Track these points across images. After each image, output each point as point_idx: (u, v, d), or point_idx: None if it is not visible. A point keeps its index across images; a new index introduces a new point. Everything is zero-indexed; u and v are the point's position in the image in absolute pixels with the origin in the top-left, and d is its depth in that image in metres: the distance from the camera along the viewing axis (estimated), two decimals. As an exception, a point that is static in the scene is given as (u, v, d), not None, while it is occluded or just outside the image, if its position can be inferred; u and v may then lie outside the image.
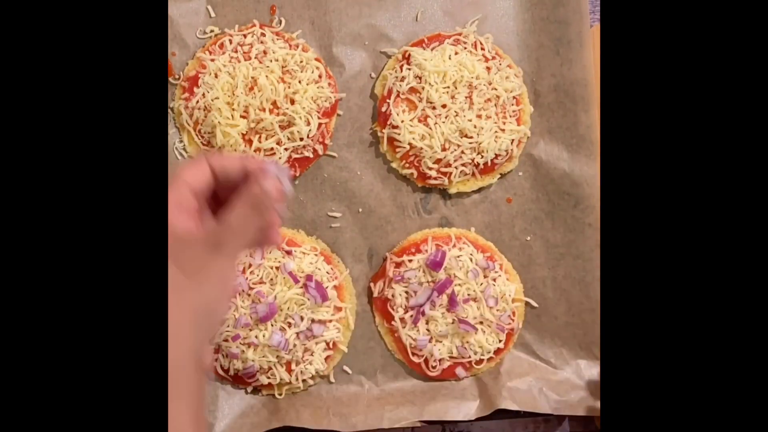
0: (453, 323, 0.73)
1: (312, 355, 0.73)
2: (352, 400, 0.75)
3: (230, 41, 0.73)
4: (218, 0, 0.75)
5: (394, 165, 0.77)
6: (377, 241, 0.77)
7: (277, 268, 0.72)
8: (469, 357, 0.74)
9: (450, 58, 0.74)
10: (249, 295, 0.72)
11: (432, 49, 0.74)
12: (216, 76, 0.72)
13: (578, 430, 0.78)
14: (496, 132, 0.74)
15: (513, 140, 0.75)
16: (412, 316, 0.74)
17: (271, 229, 0.49)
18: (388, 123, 0.74)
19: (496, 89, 0.74)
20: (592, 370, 0.76)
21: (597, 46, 0.75)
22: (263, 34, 0.74)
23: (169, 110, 0.76)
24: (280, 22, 0.76)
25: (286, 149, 0.73)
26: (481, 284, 0.73)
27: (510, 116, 0.75)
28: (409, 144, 0.74)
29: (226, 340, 0.71)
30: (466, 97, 0.74)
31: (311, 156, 0.75)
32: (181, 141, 0.76)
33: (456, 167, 0.74)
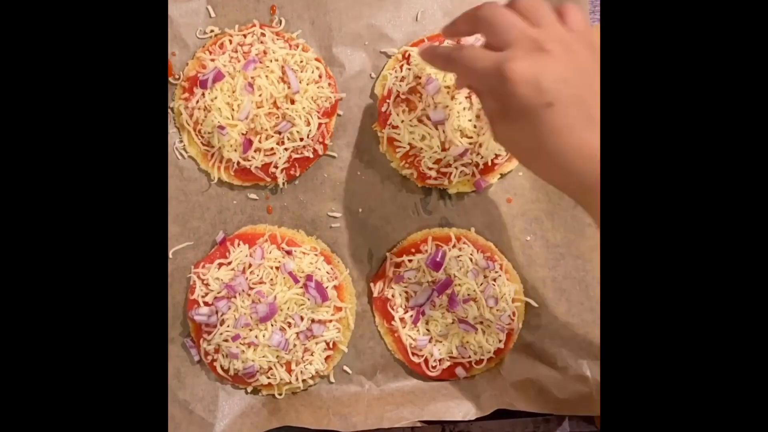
0: (453, 323, 0.73)
1: (312, 355, 0.73)
2: (352, 400, 0.75)
3: (230, 41, 0.73)
4: (218, 0, 0.75)
5: (394, 165, 0.77)
6: (377, 241, 0.77)
7: (277, 268, 0.72)
8: (469, 357, 0.74)
9: (450, 58, 0.74)
10: (249, 295, 0.72)
11: (432, 49, 0.74)
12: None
13: (578, 430, 0.78)
14: (496, 132, 0.74)
15: (513, 140, 0.74)
16: (412, 316, 0.74)
17: None
18: (388, 123, 0.74)
19: None
20: (592, 370, 0.76)
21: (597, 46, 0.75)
22: (263, 34, 0.74)
23: (169, 110, 0.76)
24: (280, 22, 0.76)
25: (286, 149, 0.73)
26: (481, 284, 0.73)
27: (510, 116, 0.75)
28: (409, 144, 0.74)
29: (226, 340, 0.71)
30: (466, 97, 0.74)
31: (311, 156, 0.75)
32: (181, 141, 0.76)
33: (456, 167, 0.74)
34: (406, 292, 0.74)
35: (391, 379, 0.77)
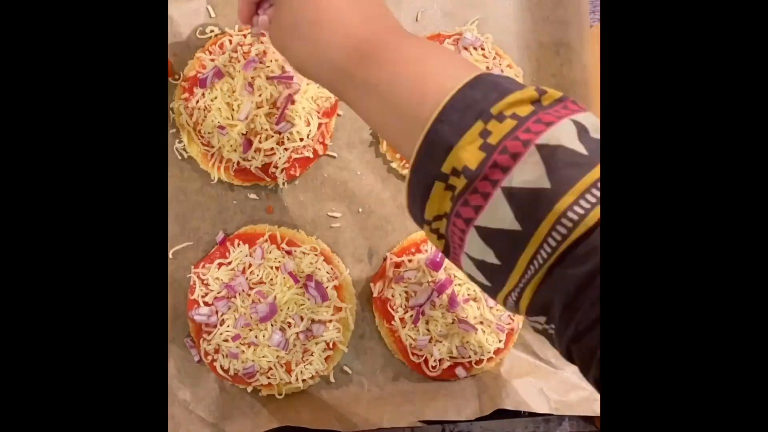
0: (453, 323, 0.73)
1: (312, 355, 0.73)
2: (352, 400, 0.75)
3: (230, 41, 0.73)
4: (218, 0, 0.75)
5: (394, 165, 0.77)
6: (377, 241, 0.77)
7: (277, 268, 0.72)
8: (469, 357, 0.74)
9: (450, 58, 0.74)
10: (249, 295, 0.72)
11: (432, 49, 0.74)
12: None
13: (578, 430, 0.78)
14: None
15: (513, 140, 0.74)
16: (411, 316, 0.74)
17: None
18: (388, 123, 0.74)
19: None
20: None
21: (597, 46, 0.75)
22: (263, 34, 0.74)
23: (169, 110, 0.76)
24: (280, 22, 0.76)
25: (286, 149, 0.73)
26: (481, 284, 0.73)
27: (510, 116, 0.75)
28: (409, 144, 0.74)
29: (226, 340, 0.71)
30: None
31: (311, 156, 0.75)
32: (181, 141, 0.76)
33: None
34: (406, 292, 0.74)
35: (391, 379, 0.77)
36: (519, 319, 0.76)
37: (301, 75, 0.54)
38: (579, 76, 0.75)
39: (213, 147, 0.73)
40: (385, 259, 0.77)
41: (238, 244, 0.74)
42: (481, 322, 0.74)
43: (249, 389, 0.75)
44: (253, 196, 0.77)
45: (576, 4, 0.75)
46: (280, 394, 0.75)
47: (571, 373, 0.76)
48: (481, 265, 0.42)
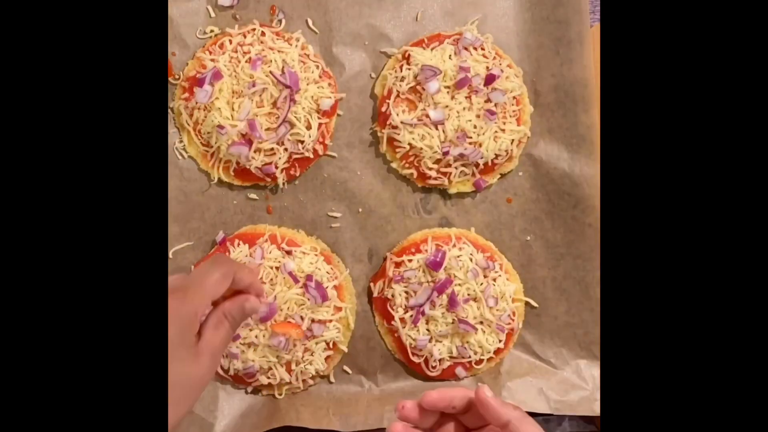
0: (453, 323, 0.73)
1: (312, 355, 0.73)
2: (352, 400, 0.75)
3: (230, 41, 0.73)
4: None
5: (394, 165, 0.77)
6: (377, 241, 0.77)
7: (277, 268, 0.72)
8: (469, 357, 0.74)
9: (450, 58, 0.74)
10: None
11: (432, 49, 0.74)
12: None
13: (578, 430, 0.78)
14: (496, 132, 0.74)
15: (513, 140, 0.74)
16: (412, 316, 0.74)
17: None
18: (388, 123, 0.74)
19: (496, 89, 0.74)
20: (592, 370, 0.76)
21: (597, 46, 0.75)
22: (263, 34, 0.74)
23: (169, 110, 0.76)
24: (280, 22, 0.76)
25: (285, 149, 0.73)
26: (481, 284, 0.73)
27: (510, 116, 0.75)
28: (409, 144, 0.74)
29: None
30: (466, 97, 0.74)
31: (311, 156, 0.75)
32: (181, 141, 0.76)
33: (456, 167, 0.74)
34: (406, 292, 0.74)
35: (391, 379, 0.77)
36: (519, 319, 0.76)
37: None
38: (579, 76, 0.75)
39: (213, 147, 0.73)
40: (385, 259, 0.77)
41: (238, 244, 0.74)
42: (481, 322, 0.74)
43: (249, 389, 0.75)
44: (253, 196, 0.77)
45: (576, 4, 0.75)
46: (280, 394, 0.75)
47: (571, 373, 0.76)
48: None
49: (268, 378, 0.73)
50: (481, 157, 0.73)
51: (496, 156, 0.74)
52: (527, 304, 0.77)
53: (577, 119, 0.76)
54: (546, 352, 0.77)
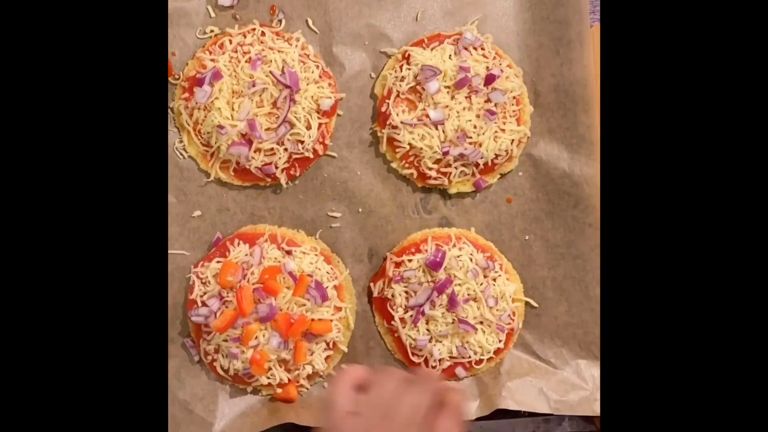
0: (453, 323, 0.73)
1: (312, 355, 0.73)
2: (352, 400, 0.75)
3: (230, 41, 0.73)
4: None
5: (394, 165, 0.77)
6: (377, 241, 0.77)
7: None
8: (469, 357, 0.74)
9: (450, 58, 0.74)
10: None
11: (432, 49, 0.74)
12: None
13: (578, 430, 0.78)
14: (495, 132, 0.74)
15: (513, 140, 0.74)
16: (412, 316, 0.74)
17: None
18: (388, 123, 0.74)
19: (496, 89, 0.74)
20: (592, 370, 0.76)
21: (597, 46, 0.75)
22: (263, 34, 0.74)
23: (169, 110, 0.76)
24: (280, 22, 0.76)
25: (285, 149, 0.73)
26: (481, 284, 0.73)
27: (510, 116, 0.75)
28: (409, 144, 0.74)
29: (225, 341, 0.71)
30: (465, 97, 0.74)
31: (311, 156, 0.75)
32: (181, 141, 0.76)
33: (456, 167, 0.74)
34: (406, 292, 0.74)
35: (391, 379, 0.77)
36: (519, 319, 0.76)
37: None
38: (579, 76, 0.75)
39: (212, 147, 0.73)
40: (385, 259, 0.77)
41: (238, 244, 0.73)
42: (481, 322, 0.74)
43: (249, 389, 0.75)
44: (253, 196, 0.77)
45: (576, 4, 0.75)
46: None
47: (571, 372, 0.76)
48: None
49: (268, 378, 0.73)
50: (481, 157, 0.73)
51: (496, 156, 0.74)
52: (527, 304, 0.77)
53: (576, 119, 0.76)
54: (546, 352, 0.77)
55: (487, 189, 0.78)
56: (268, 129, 0.72)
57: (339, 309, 0.74)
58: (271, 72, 0.72)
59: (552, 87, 0.76)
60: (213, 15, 0.76)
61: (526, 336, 0.78)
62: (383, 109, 0.75)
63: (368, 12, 0.76)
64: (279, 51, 0.73)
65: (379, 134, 0.76)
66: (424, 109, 0.73)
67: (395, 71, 0.74)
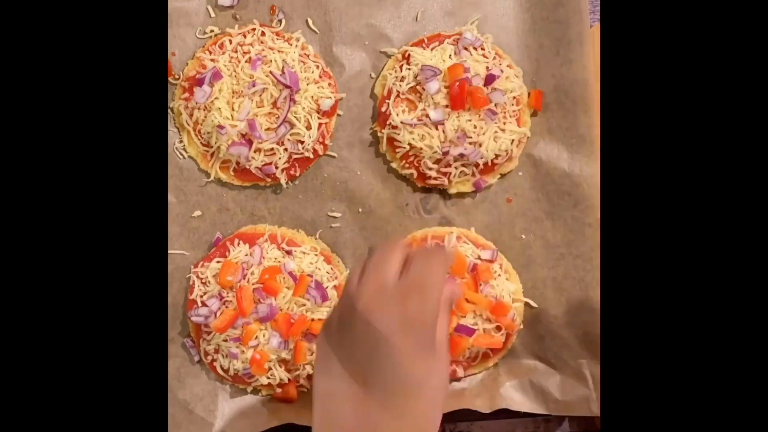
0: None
1: (312, 355, 0.73)
2: (352, 400, 0.75)
3: (230, 41, 0.73)
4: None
5: (394, 165, 0.77)
6: (377, 241, 0.77)
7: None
8: (468, 357, 0.74)
9: (450, 58, 0.74)
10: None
11: (432, 49, 0.74)
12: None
13: (578, 430, 0.78)
14: (495, 132, 0.74)
15: (513, 140, 0.74)
16: (412, 316, 0.74)
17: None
18: (388, 123, 0.74)
19: (496, 89, 0.73)
20: (592, 370, 0.76)
21: (597, 46, 0.75)
22: (263, 34, 0.74)
23: (169, 110, 0.76)
24: (280, 22, 0.76)
25: (285, 149, 0.73)
26: (481, 284, 0.73)
27: (510, 116, 0.75)
28: (409, 144, 0.74)
29: (225, 341, 0.71)
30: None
31: (311, 156, 0.75)
32: (181, 141, 0.76)
33: (456, 167, 0.74)
34: (406, 292, 0.74)
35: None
36: (519, 319, 0.76)
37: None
38: (579, 76, 0.75)
39: (212, 147, 0.73)
40: (385, 259, 0.76)
41: (238, 244, 0.73)
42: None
43: (249, 389, 0.75)
44: (253, 196, 0.77)
45: (576, 4, 0.75)
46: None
47: (571, 373, 0.76)
48: None
49: (268, 378, 0.73)
50: (481, 157, 0.73)
51: (496, 156, 0.74)
52: (527, 304, 0.77)
53: (576, 119, 0.76)
54: (546, 352, 0.77)
55: (487, 189, 0.78)
56: (268, 129, 0.72)
57: (339, 309, 0.74)
58: (271, 72, 0.72)
59: (552, 87, 0.76)
60: (213, 15, 0.76)
61: (526, 336, 0.77)
62: (383, 109, 0.75)
63: (368, 12, 0.76)
64: (279, 51, 0.73)
65: (379, 134, 0.76)
66: (424, 109, 0.73)
67: (395, 71, 0.74)
